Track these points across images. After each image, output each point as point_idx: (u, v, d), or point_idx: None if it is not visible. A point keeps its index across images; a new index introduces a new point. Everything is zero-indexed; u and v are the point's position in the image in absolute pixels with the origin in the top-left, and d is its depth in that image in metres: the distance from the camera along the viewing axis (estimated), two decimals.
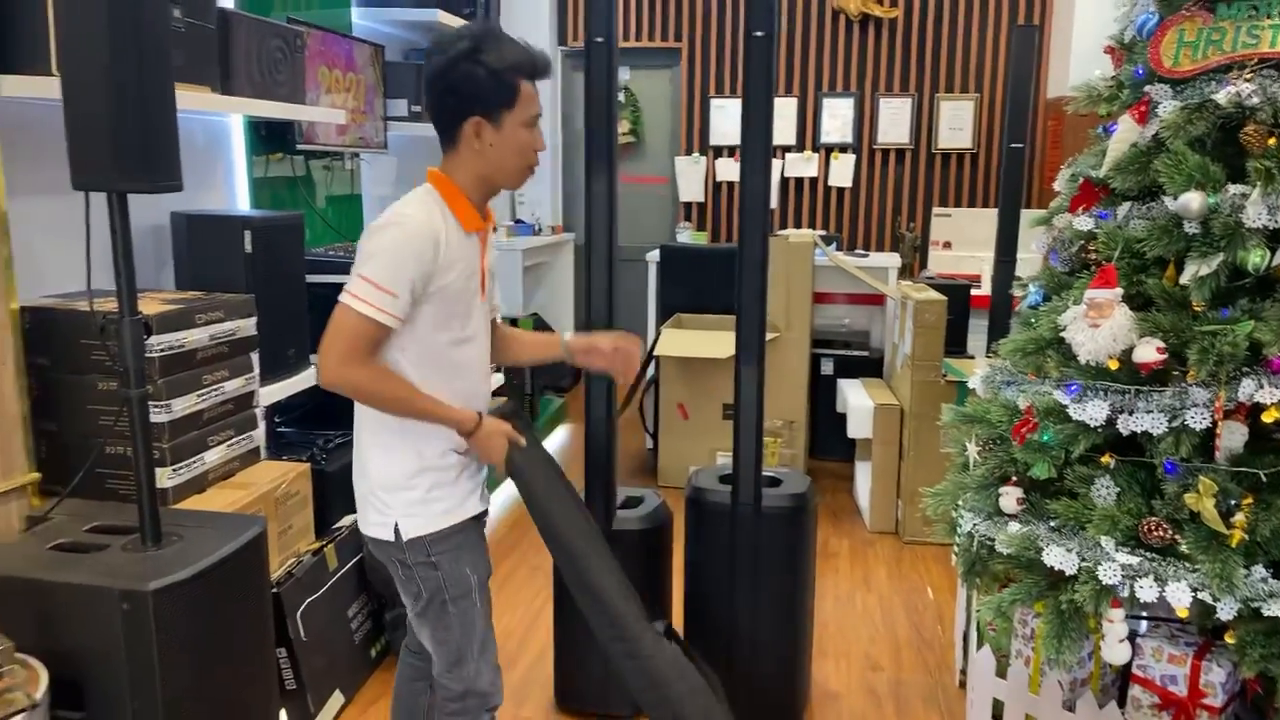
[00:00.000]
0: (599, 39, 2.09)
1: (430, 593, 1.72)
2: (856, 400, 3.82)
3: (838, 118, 5.94)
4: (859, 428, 3.79)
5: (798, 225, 6.07)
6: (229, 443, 2.36)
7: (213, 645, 1.80)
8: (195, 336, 2.22)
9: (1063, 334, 1.95)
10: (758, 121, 2.06)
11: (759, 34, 2.01)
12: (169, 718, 1.71)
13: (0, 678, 1.56)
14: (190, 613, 1.73)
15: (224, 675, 1.83)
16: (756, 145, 2.08)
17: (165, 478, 2.13)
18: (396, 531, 1.69)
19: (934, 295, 3.61)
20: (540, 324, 5.53)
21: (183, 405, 2.18)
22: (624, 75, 6.25)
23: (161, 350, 2.10)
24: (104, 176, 1.64)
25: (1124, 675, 2.07)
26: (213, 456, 2.30)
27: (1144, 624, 2.12)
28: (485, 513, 1.84)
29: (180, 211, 2.60)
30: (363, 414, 1.72)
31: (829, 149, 5.96)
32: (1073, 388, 1.92)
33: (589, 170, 2.14)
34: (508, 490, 4.14)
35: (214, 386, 2.29)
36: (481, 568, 1.79)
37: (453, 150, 1.67)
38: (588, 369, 1.99)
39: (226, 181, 3.03)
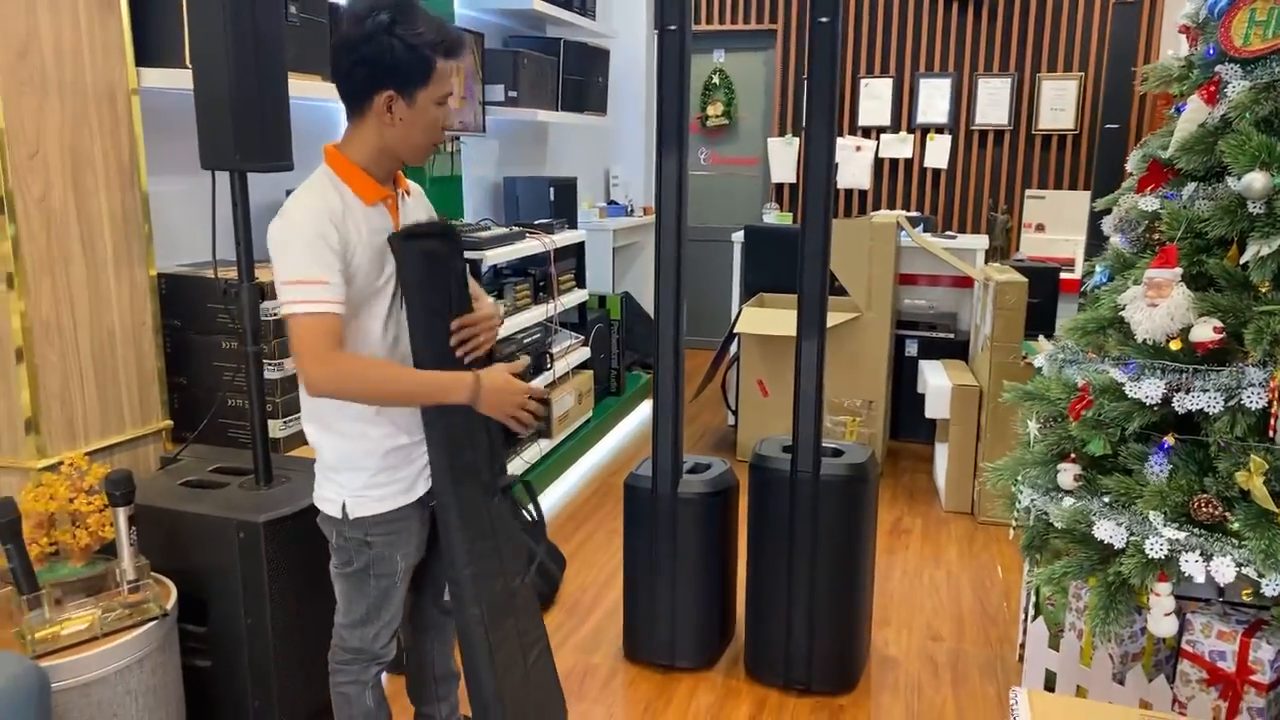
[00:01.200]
0: (672, 26, 2.21)
1: (359, 564, 1.76)
2: (935, 381, 3.84)
3: (935, 98, 5.87)
4: (937, 408, 3.81)
5: (891, 206, 6.04)
6: None
7: (315, 573, 2.02)
8: None
9: (1122, 313, 1.98)
10: (821, 107, 2.14)
11: (823, 19, 2.10)
12: (278, 634, 1.95)
13: (138, 590, 1.82)
14: (295, 543, 1.96)
15: (324, 601, 2.05)
16: (820, 130, 2.17)
17: (277, 429, 2.37)
18: (344, 509, 1.72)
19: (1015, 277, 3.60)
20: (630, 303, 5.69)
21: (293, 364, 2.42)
22: (719, 58, 6.33)
23: (276, 314, 2.34)
24: (227, 157, 1.87)
25: (1176, 652, 2.09)
26: None
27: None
28: (429, 494, 1.80)
29: (295, 189, 2.86)
30: (313, 403, 1.71)
31: (925, 130, 5.90)
32: (1130, 366, 1.95)
33: (660, 152, 2.27)
34: (592, 458, 4.34)
35: None
36: (413, 555, 1.80)
37: (359, 121, 1.63)
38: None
39: None
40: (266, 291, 2.18)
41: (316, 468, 1.77)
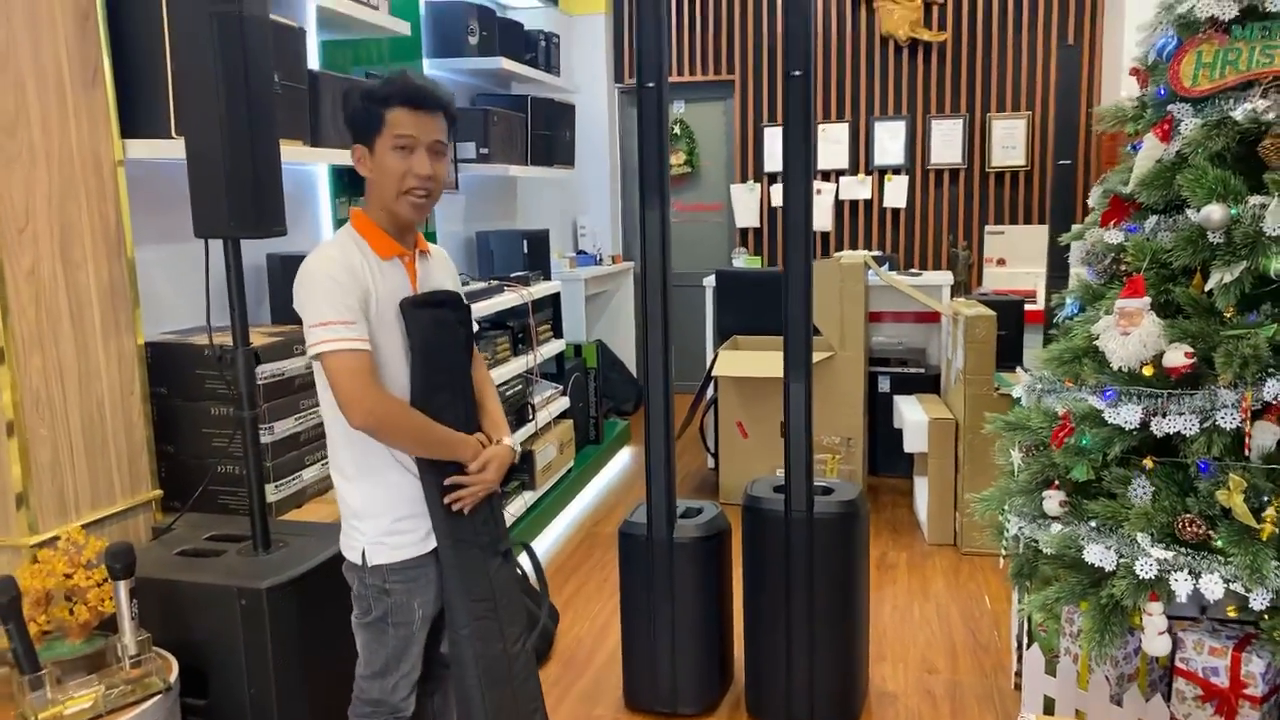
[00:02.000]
0: (650, 84, 2.28)
1: (378, 613, 1.78)
2: (912, 415, 3.91)
3: (891, 141, 6.06)
4: (915, 442, 3.88)
5: (853, 247, 6.17)
6: (323, 462, 2.59)
7: (318, 638, 2.01)
8: (294, 365, 2.46)
9: (1096, 342, 2.06)
10: (797, 154, 2.22)
11: (796, 73, 2.18)
12: (282, 704, 1.92)
13: (140, 665, 1.79)
14: (298, 609, 1.95)
15: (328, 666, 2.03)
16: (798, 176, 2.24)
17: (269, 493, 2.36)
18: (363, 556, 1.76)
19: (984, 311, 3.70)
20: (604, 350, 5.73)
21: (284, 427, 2.42)
22: (679, 109, 6.47)
23: (266, 378, 2.34)
24: (221, 225, 1.88)
25: (1170, 670, 2.14)
26: (309, 474, 2.53)
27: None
28: None
29: (275, 253, 2.87)
30: (334, 451, 1.79)
31: (883, 171, 6.07)
32: (1108, 393, 2.02)
33: (643, 203, 2.33)
34: (576, 508, 4.33)
35: (310, 410, 2.52)
36: (430, 605, 1.82)
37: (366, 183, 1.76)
38: None
39: (313, 224, 3.31)
40: (261, 356, 2.18)
41: (342, 516, 1.82)
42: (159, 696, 1.77)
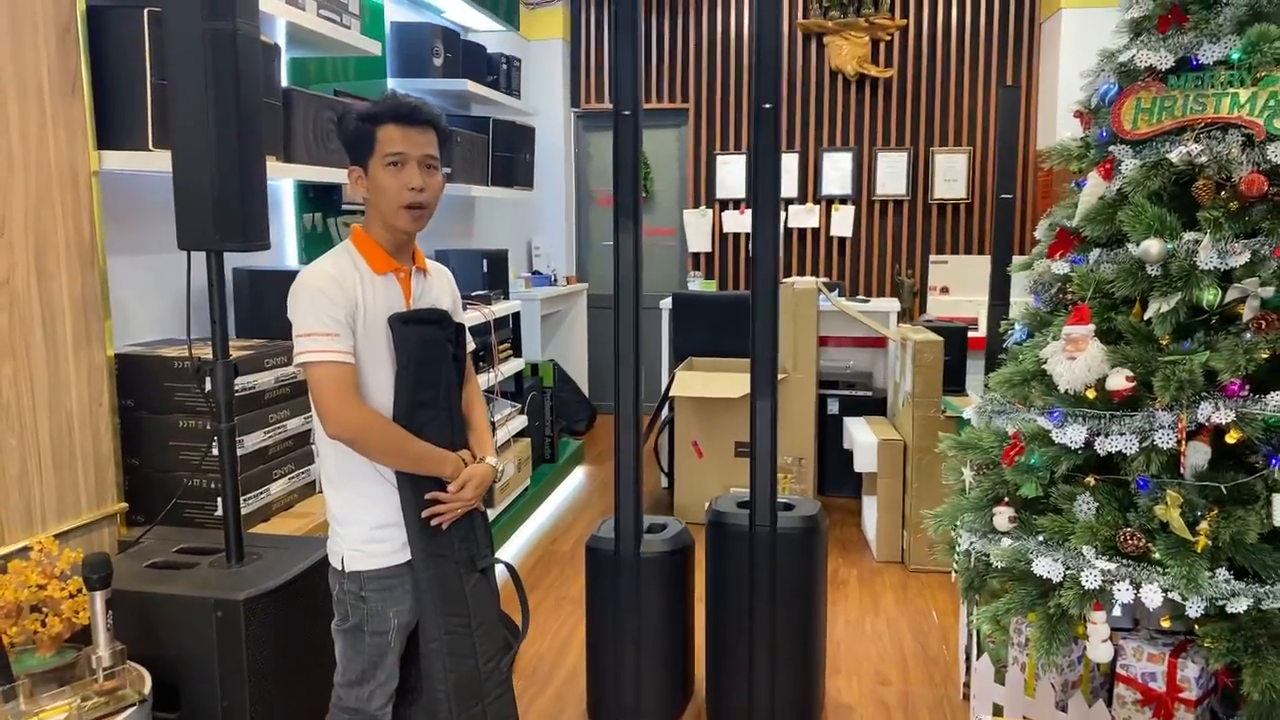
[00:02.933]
0: (626, 112, 2.36)
1: (354, 620, 1.81)
2: (861, 436, 4.04)
3: (838, 171, 6.25)
4: (865, 462, 4.00)
5: (801, 273, 6.34)
6: (289, 476, 2.59)
7: (293, 651, 2.01)
8: (264, 379, 2.46)
9: (1044, 366, 2.19)
10: (766, 182, 2.32)
11: (766, 106, 2.28)
12: (255, 715, 1.92)
13: (113, 676, 1.78)
14: (274, 621, 1.95)
15: (302, 679, 2.04)
16: (766, 204, 2.34)
17: None
18: (343, 562, 1.81)
19: (931, 336, 3.85)
20: (558, 369, 5.78)
21: (253, 441, 2.42)
22: None
23: (235, 392, 2.33)
24: (206, 238, 1.90)
25: (1111, 676, 2.26)
26: (276, 488, 2.53)
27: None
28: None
29: (242, 267, 2.87)
30: (321, 457, 1.84)
31: (830, 201, 6.26)
32: (1055, 414, 2.15)
33: (617, 226, 2.40)
34: (532, 526, 4.35)
35: (278, 425, 2.53)
36: (406, 614, 1.83)
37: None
38: None
39: (278, 238, 3.31)
40: (239, 368, 2.19)
41: (328, 520, 1.85)
42: (133, 709, 1.76)
